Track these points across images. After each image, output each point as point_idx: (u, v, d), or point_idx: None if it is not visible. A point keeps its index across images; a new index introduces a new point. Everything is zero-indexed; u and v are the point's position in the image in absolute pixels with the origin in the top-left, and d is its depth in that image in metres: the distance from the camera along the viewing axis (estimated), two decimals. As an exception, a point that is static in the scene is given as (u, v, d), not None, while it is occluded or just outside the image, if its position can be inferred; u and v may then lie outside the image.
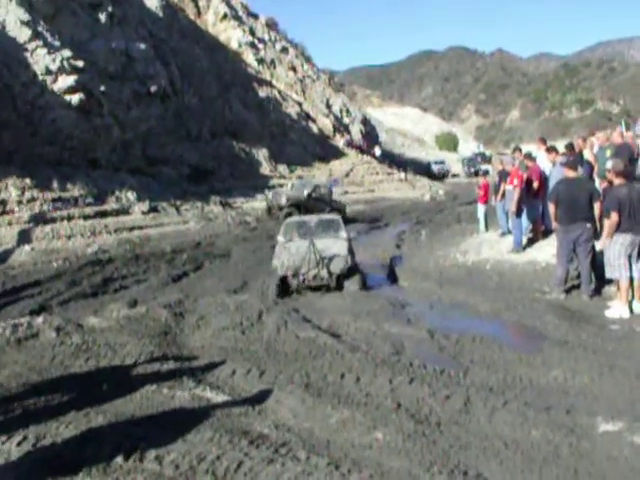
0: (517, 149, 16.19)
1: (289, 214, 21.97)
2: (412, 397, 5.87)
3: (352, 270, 12.31)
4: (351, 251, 12.78)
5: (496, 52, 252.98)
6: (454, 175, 60.68)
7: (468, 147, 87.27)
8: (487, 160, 59.84)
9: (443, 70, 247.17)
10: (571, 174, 10.20)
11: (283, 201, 25.15)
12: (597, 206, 9.66)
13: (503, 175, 14.69)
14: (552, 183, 11.80)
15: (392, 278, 13.89)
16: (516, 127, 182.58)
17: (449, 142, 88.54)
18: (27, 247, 17.83)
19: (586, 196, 9.78)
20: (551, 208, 10.21)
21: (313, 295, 11.68)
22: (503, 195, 14.61)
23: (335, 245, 12.64)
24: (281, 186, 32.21)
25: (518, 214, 13.31)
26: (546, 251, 12.58)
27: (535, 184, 13.11)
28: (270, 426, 5.36)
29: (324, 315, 9.55)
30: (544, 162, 13.68)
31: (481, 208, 17.46)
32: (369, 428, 5.25)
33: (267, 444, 4.95)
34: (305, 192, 25.49)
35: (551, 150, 13.23)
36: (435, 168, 59.90)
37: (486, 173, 20.46)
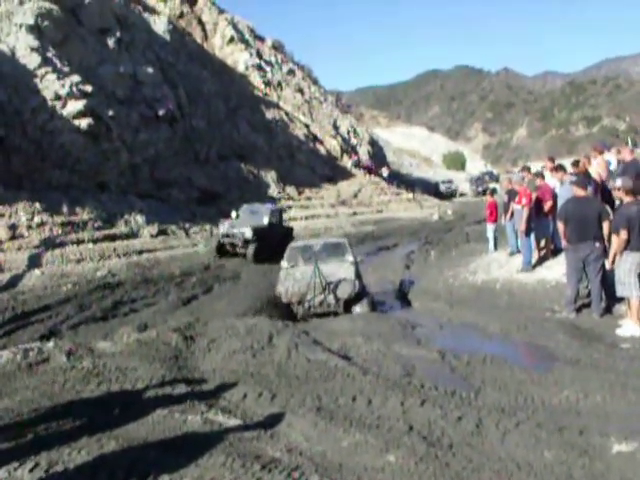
0: (525, 168, 16.21)
1: (258, 250, 20.66)
2: (424, 419, 5.84)
3: (360, 294, 12.13)
4: (358, 275, 12.56)
5: (502, 71, 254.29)
6: (462, 194, 60.65)
7: (475, 166, 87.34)
8: (495, 179, 59.87)
9: (449, 89, 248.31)
10: (580, 193, 10.20)
11: (248, 234, 21.01)
12: (606, 225, 9.65)
13: (512, 194, 14.69)
14: (560, 202, 11.81)
15: (402, 299, 13.89)
16: (523, 145, 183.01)
17: (456, 161, 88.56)
18: (37, 271, 17.89)
19: (595, 215, 9.78)
20: (560, 227, 10.21)
21: (323, 318, 11.64)
22: (512, 214, 14.60)
23: (341, 269, 12.43)
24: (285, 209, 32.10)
25: (527, 233, 13.31)
26: (556, 270, 12.55)
27: (549, 203, 13.09)
28: (282, 450, 5.33)
29: (334, 337, 9.53)
30: (550, 181, 13.71)
31: (490, 227, 17.44)
32: (381, 451, 5.22)
33: (280, 468, 4.92)
34: (265, 220, 22.12)
35: (558, 169, 13.21)
36: (443, 187, 59.95)
37: (494, 192, 20.38)
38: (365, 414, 6.12)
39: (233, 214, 22.50)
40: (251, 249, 20.67)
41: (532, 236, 13.53)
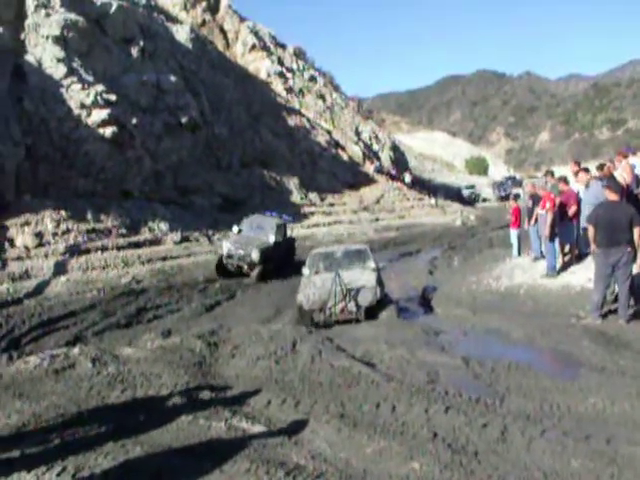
0: (549, 172, 16.10)
1: (264, 273, 18.99)
2: (448, 426, 5.81)
3: (382, 301, 12.02)
4: (380, 282, 12.48)
5: (524, 75, 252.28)
6: (485, 199, 60.29)
7: (498, 171, 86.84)
8: (518, 184, 59.41)
9: (471, 94, 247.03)
10: (613, 197, 10.08)
11: (255, 256, 19.03)
12: (637, 230, 9.53)
13: (536, 199, 14.58)
14: (585, 207, 11.71)
15: (425, 305, 13.82)
16: (546, 149, 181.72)
17: (479, 166, 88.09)
18: (63, 278, 18.09)
19: (627, 219, 9.66)
20: (590, 231, 10.09)
21: (346, 324, 11.62)
22: (536, 219, 14.50)
23: (363, 276, 12.33)
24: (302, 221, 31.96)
25: (551, 238, 13.20)
26: (580, 275, 12.44)
27: (573, 208, 12.98)
28: (306, 457, 5.33)
29: (358, 344, 9.51)
30: (574, 186, 13.59)
31: (514, 233, 17.33)
32: (406, 458, 5.21)
33: (304, 475, 4.93)
34: (272, 238, 20.07)
35: (585, 171, 13.01)
36: (466, 193, 59.58)
37: (517, 197, 20.25)
38: (389, 421, 6.11)
39: (235, 229, 20.81)
40: (256, 272, 18.91)
41: (556, 241, 13.41)
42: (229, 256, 19.45)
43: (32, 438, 6.05)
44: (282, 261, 19.43)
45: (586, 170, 13.06)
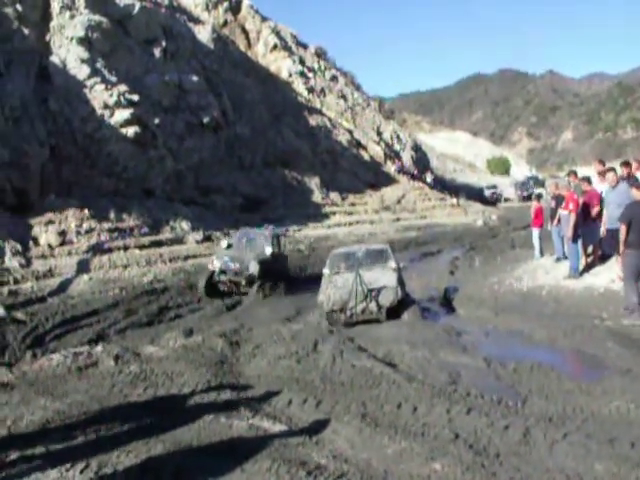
0: (572, 172, 15.94)
1: (264, 288, 16.42)
2: (470, 427, 5.79)
3: (403, 302, 11.98)
4: (401, 282, 12.35)
5: (547, 74, 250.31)
6: (507, 199, 59.85)
7: (520, 171, 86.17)
8: (540, 184, 58.94)
9: (493, 93, 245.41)
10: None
11: (254, 268, 16.57)
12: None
13: (559, 199, 14.45)
14: (610, 207, 11.60)
15: (446, 306, 13.74)
16: (569, 149, 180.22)
17: (501, 166, 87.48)
18: (85, 276, 18.24)
19: None
20: (622, 230, 9.97)
21: (368, 324, 11.60)
22: (559, 220, 14.36)
23: (384, 276, 12.20)
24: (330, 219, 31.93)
25: (574, 239, 13.06)
26: (604, 276, 12.30)
27: (596, 209, 12.84)
28: (328, 456, 5.35)
29: (379, 344, 9.50)
30: (597, 186, 13.45)
31: (536, 233, 17.17)
32: (427, 459, 5.20)
33: (325, 475, 4.94)
34: (268, 250, 17.52)
35: (612, 171, 12.79)
36: (487, 193, 59.19)
37: (539, 197, 20.05)
38: (410, 421, 6.10)
39: (223, 243, 18.57)
40: (255, 287, 16.33)
41: (579, 242, 13.28)
42: (222, 272, 16.83)
43: (56, 435, 6.13)
44: (279, 277, 17.38)
45: (613, 170, 12.87)
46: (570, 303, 11.90)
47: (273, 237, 18.49)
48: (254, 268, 16.54)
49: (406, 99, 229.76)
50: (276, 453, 5.43)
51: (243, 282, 16.67)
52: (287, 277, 18.40)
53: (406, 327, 10.94)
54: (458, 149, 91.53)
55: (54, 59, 24.67)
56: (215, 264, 16.92)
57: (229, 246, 17.96)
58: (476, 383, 7.30)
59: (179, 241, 23.39)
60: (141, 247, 21.51)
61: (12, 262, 17.59)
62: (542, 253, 16.77)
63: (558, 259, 14.85)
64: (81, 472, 5.13)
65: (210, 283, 16.78)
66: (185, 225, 24.62)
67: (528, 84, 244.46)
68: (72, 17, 25.87)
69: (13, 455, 5.59)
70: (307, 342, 9.45)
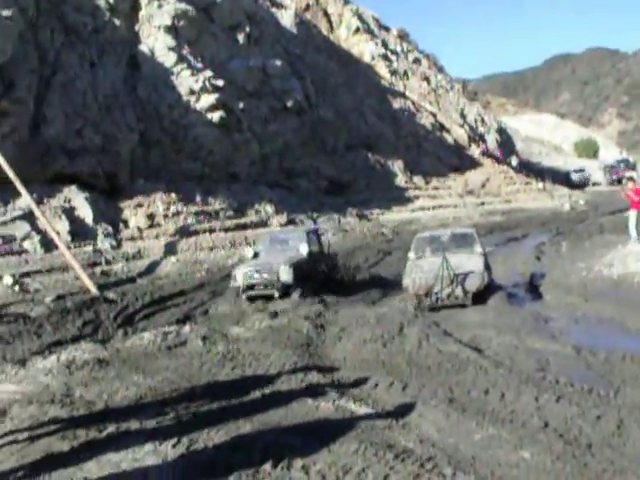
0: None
1: (304, 295, 13.41)
2: (560, 416, 5.64)
3: (489, 287, 11.76)
4: (487, 267, 12.18)
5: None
6: (595, 184, 57.71)
7: (609, 153, 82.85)
8: (631, 167, 56.59)
9: (581, 73, 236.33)
10: None
11: (286, 276, 13.44)
12: None
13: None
14: None
15: (533, 292, 13.41)
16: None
17: (589, 149, 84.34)
18: (173, 259, 18.71)
19: None
20: None
21: (453, 309, 11.45)
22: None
23: (470, 261, 12.05)
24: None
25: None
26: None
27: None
28: (415, 440, 5.29)
29: (465, 329, 9.38)
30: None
31: (633, 214, 16.29)
32: (515, 446, 5.09)
33: (412, 459, 4.88)
34: (304, 249, 14.41)
35: None
36: (575, 176, 57.23)
37: (631, 179, 19.16)
38: (498, 408, 6.01)
39: (248, 252, 15.70)
40: (296, 295, 13.37)
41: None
42: (249, 287, 13.78)
43: (149, 410, 6.30)
44: (324, 279, 15.04)
45: None
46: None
47: (311, 234, 15.76)
48: (286, 274, 13.48)
49: (490, 81, 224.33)
50: (363, 435, 5.42)
51: (276, 294, 13.58)
52: (335, 279, 15.64)
53: (492, 312, 10.77)
54: (544, 132, 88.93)
55: (143, 48, 25.30)
56: (238, 280, 13.88)
57: (255, 255, 15.15)
58: (565, 371, 7.13)
59: (263, 224, 23.65)
60: (226, 230, 21.89)
61: (104, 244, 18.23)
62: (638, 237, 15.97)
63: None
64: (173, 447, 5.26)
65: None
66: (269, 208, 24.88)
67: (619, 62, 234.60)
68: (160, 7, 26.43)
69: (110, 428, 5.78)
70: (392, 326, 9.39)
